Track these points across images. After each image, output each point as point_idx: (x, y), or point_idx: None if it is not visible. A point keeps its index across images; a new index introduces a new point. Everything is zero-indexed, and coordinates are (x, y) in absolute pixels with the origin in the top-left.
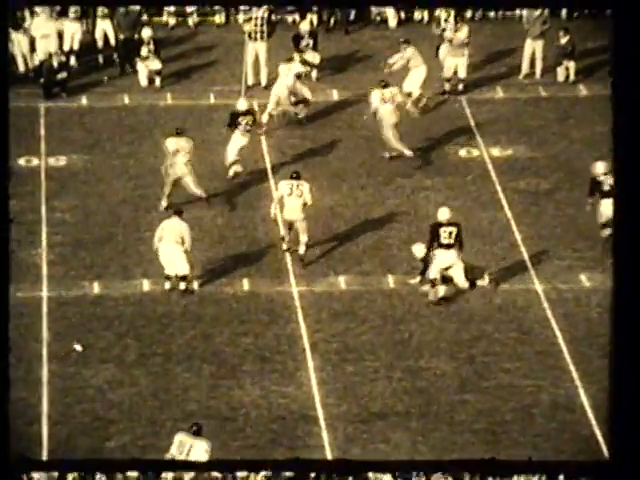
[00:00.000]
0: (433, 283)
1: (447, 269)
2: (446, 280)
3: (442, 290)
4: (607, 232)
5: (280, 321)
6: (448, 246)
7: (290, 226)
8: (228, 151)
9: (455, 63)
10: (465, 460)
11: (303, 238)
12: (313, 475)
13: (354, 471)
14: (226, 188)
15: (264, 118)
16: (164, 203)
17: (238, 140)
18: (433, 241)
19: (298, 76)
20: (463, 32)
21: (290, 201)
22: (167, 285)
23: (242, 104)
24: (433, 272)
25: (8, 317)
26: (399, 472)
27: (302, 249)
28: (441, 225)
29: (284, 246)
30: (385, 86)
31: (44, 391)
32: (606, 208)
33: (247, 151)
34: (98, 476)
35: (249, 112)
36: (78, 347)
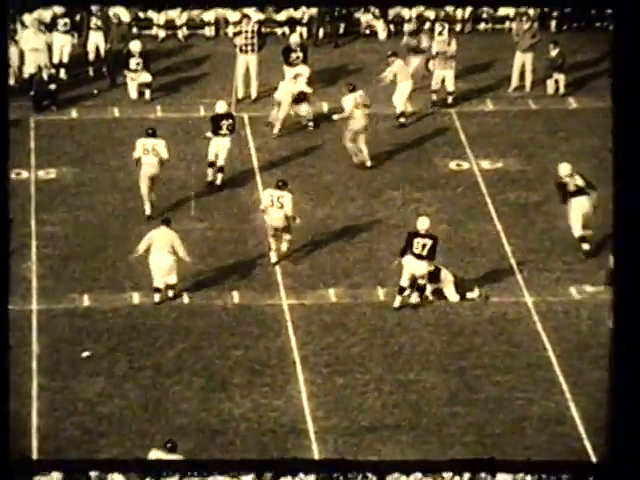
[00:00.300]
0: (402, 289)
1: (418, 279)
2: (439, 292)
3: (414, 297)
4: (586, 247)
5: (270, 334)
6: (419, 257)
7: (275, 232)
8: (209, 152)
9: (443, 75)
10: (465, 460)
11: (286, 236)
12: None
13: (351, 471)
14: (216, 200)
15: (276, 128)
16: (147, 210)
17: (219, 142)
18: (406, 249)
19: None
20: (453, 45)
21: (272, 211)
22: (156, 298)
23: (221, 106)
24: (403, 279)
25: (8, 318)
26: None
27: (285, 246)
28: (417, 235)
29: (272, 258)
30: (353, 90)
31: (34, 404)
32: (576, 208)
33: (237, 162)
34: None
35: (229, 115)
36: (86, 354)
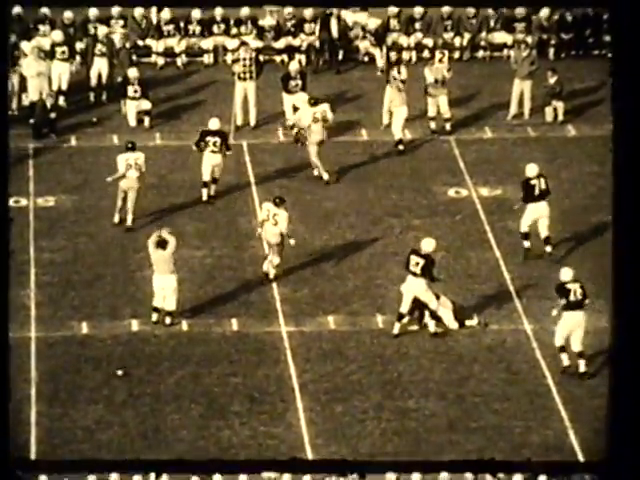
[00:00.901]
0: (400, 315)
1: (418, 299)
2: (437, 319)
3: (431, 326)
4: (527, 244)
5: (269, 361)
6: (414, 274)
7: (270, 247)
8: (202, 171)
9: (437, 102)
10: (465, 460)
11: (275, 260)
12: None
13: (353, 471)
14: (214, 227)
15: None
16: (116, 219)
17: (207, 158)
18: (407, 267)
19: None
20: (445, 72)
21: (268, 226)
22: (154, 317)
23: (214, 123)
24: (403, 306)
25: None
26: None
27: (271, 270)
28: (414, 252)
29: (264, 266)
30: (315, 104)
31: (32, 431)
32: (534, 211)
33: (236, 190)
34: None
35: (218, 133)
36: (120, 372)
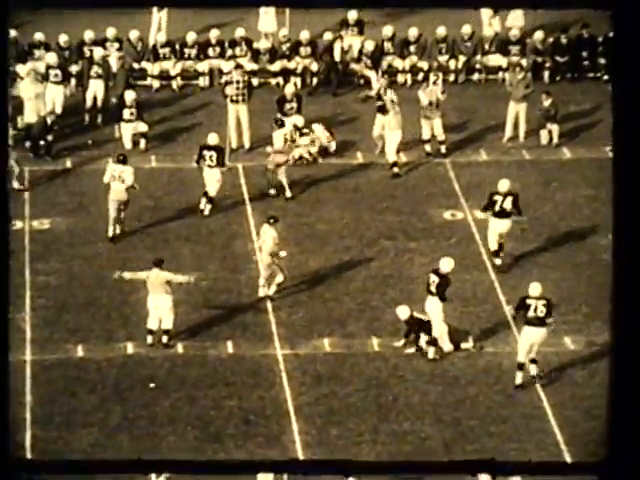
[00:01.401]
0: (417, 343)
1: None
2: (433, 343)
3: (446, 346)
4: (498, 261)
5: (264, 384)
6: (431, 293)
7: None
8: (207, 185)
9: (432, 124)
10: (465, 460)
11: (260, 281)
12: None
13: (354, 472)
14: (210, 250)
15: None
16: (110, 232)
17: (209, 174)
18: (427, 287)
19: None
20: (439, 94)
21: (260, 243)
22: (149, 339)
23: (212, 138)
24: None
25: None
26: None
27: (273, 287)
28: (433, 272)
29: (260, 291)
30: (282, 125)
31: (27, 454)
32: (494, 227)
33: (231, 211)
34: None
35: (215, 147)
36: (152, 385)
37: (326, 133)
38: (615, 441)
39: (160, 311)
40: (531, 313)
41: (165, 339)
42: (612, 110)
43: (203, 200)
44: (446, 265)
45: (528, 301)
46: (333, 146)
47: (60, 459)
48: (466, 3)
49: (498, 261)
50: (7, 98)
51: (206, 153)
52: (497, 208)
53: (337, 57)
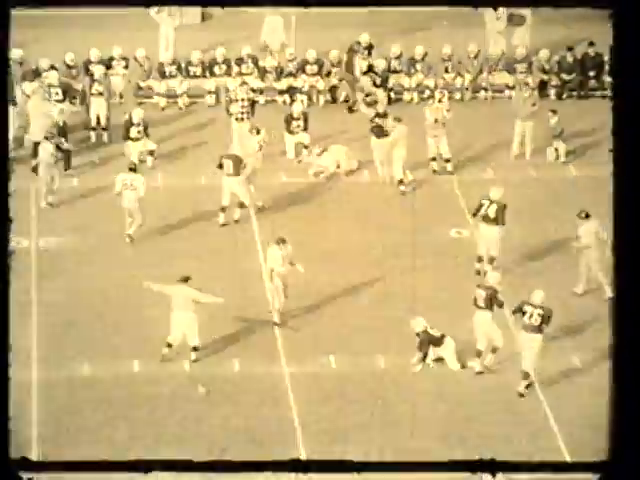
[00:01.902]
0: (478, 352)
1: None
2: (441, 360)
3: (489, 359)
4: (477, 265)
5: (270, 402)
6: (479, 307)
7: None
8: (223, 196)
9: (437, 142)
10: (465, 460)
11: (275, 304)
12: None
13: (354, 472)
14: (217, 268)
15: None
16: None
17: (228, 183)
18: (475, 301)
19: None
20: (444, 112)
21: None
22: (165, 350)
23: (232, 147)
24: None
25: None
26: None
27: (275, 315)
28: (479, 287)
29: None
30: (257, 132)
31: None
32: (481, 233)
33: (238, 229)
34: None
35: (232, 156)
36: (202, 389)
37: (344, 156)
38: (616, 441)
39: (185, 328)
40: (526, 319)
41: (194, 356)
42: (612, 109)
43: (222, 215)
44: (493, 278)
45: (525, 307)
46: (355, 164)
47: (60, 459)
48: (466, 3)
49: (477, 265)
50: (7, 98)
51: (225, 161)
52: (482, 212)
53: (357, 73)
